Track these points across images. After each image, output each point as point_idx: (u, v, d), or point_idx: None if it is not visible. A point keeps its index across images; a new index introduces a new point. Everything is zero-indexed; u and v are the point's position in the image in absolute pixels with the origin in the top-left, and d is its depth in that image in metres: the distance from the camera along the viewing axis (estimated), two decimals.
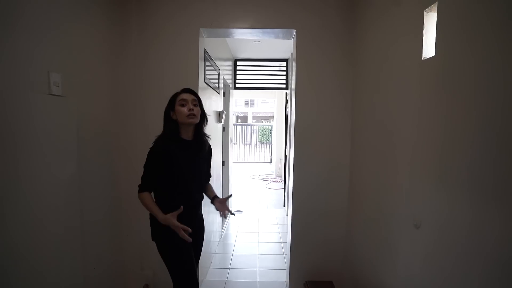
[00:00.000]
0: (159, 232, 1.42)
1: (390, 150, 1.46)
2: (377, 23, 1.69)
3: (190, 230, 1.35)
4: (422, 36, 1.17)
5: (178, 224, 1.33)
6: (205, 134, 1.53)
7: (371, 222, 1.70)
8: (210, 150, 1.62)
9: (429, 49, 1.14)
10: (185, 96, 1.42)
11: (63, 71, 1.41)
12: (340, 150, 2.11)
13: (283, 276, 2.45)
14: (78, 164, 1.51)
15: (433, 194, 1.09)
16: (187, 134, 1.45)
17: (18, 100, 1.14)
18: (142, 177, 1.41)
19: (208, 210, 2.59)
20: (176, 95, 1.44)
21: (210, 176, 1.70)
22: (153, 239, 1.47)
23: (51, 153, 1.32)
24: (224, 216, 1.62)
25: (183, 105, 1.39)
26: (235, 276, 2.48)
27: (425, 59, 1.16)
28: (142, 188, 1.40)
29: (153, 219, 1.44)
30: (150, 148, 1.40)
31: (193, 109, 1.39)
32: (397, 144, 1.39)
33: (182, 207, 1.35)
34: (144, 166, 1.41)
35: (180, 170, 1.42)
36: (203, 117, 1.48)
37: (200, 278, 2.21)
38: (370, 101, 1.77)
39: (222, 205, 1.58)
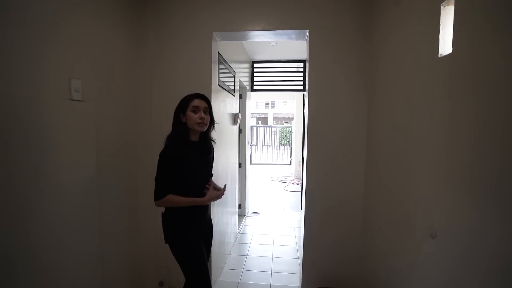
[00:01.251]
0: (174, 233, 1.46)
1: (406, 154, 1.38)
2: (391, 21, 1.61)
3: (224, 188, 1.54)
4: (439, 32, 1.10)
5: (218, 192, 1.50)
6: (211, 138, 1.57)
7: (386, 230, 1.61)
8: (213, 152, 1.66)
9: (446, 46, 1.07)
10: (198, 102, 1.43)
11: (83, 77, 1.50)
12: (355, 154, 2.03)
13: (296, 280, 2.41)
14: (96, 167, 1.60)
15: (452, 203, 1.01)
16: (194, 137, 1.49)
17: (42, 106, 1.23)
18: (158, 184, 1.40)
19: (222, 211, 2.61)
20: (188, 100, 1.45)
21: (211, 176, 1.71)
22: (166, 241, 1.48)
23: (71, 156, 1.40)
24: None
25: (194, 112, 1.42)
26: (248, 278, 2.48)
27: (441, 57, 1.08)
28: (162, 194, 1.38)
29: (166, 221, 1.47)
30: (162, 152, 1.40)
31: (203, 118, 1.42)
32: (413, 148, 1.31)
33: (211, 179, 1.56)
34: (158, 171, 1.40)
35: (192, 172, 1.45)
36: (211, 123, 1.52)
37: (214, 278, 2.23)
38: (386, 102, 1.69)
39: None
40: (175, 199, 1.39)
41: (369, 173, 1.96)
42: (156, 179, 1.41)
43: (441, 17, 1.09)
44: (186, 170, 1.41)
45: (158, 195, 1.38)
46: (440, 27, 1.09)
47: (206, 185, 1.50)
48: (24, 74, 1.15)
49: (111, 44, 1.76)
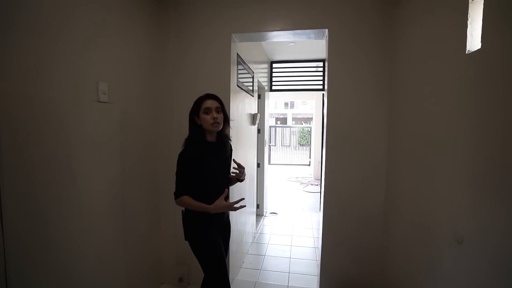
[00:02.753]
0: (194, 231, 1.50)
1: (431, 156, 1.32)
2: (414, 18, 1.55)
3: (242, 200, 1.46)
4: (466, 27, 1.04)
5: (229, 203, 1.44)
6: (226, 136, 1.58)
7: (409, 234, 1.55)
8: (231, 150, 1.67)
9: (474, 42, 1.01)
10: (209, 103, 1.46)
11: (109, 80, 1.58)
12: (376, 156, 1.97)
13: (314, 282, 2.38)
14: (121, 166, 1.68)
15: (479, 207, 0.96)
16: (211, 137, 1.52)
17: (72, 107, 1.31)
18: (177, 183, 1.45)
19: (241, 211, 2.63)
20: (200, 102, 1.48)
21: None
22: (186, 239, 1.53)
23: (98, 154, 1.48)
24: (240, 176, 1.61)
25: (207, 113, 1.44)
26: (266, 278, 2.48)
27: (469, 53, 1.03)
28: (179, 194, 1.44)
29: (186, 219, 1.51)
30: (180, 153, 1.45)
31: (216, 117, 1.45)
32: (438, 149, 1.25)
33: (227, 189, 1.48)
34: (177, 172, 1.45)
35: (210, 171, 1.48)
36: (226, 121, 1.53)
37: (231, 277, 2.26)
38: (408, 102, 1.62)
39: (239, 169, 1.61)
40: (188, 201, 1.43)
41: (391, 175, 1.90)
42: (175, 180, 1.46)
43: (469, 11, 1.04)
44: (205, 170, 1.44)
45: (176, 195, 1.45)
46: (468, 22, 1.04)
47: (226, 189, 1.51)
48: (54, 77, 1.24)
49: (135, 47, 1.84)
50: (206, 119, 1.44)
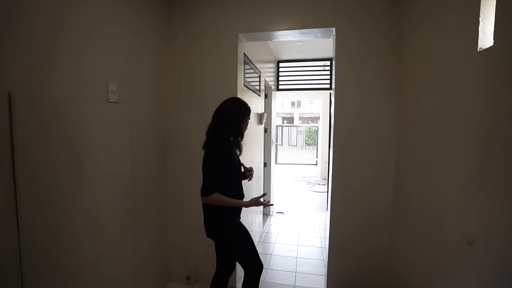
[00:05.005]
0: (229, 226, 1.53)
1: (441, 155, 1.30)
2: (423, 15, 1.53)
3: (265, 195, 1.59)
4: (478, 24, 1.02)
5: (257, 198, 1.53)
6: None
7: (418, 234, 1.53)
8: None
9: (486, 39, 0.99)
10: (249, 119, 1.62)
11: (118, 81, 1.61)
12: (384, 155, 1.95)
13: (321, 282, 2.37)
14: (131, 164, 1.70)
15: (490, 207, 0.94)
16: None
17: (84, 107, 1.34)
18: (207, 181, 1.44)
19: (247, 210, 2.65)
20: (248, 112, 1.58)
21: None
22: (216, 234, 1.54)
23: (108, 153, 1.51)
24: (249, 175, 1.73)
25: (246, 126, 1.60)
26: (272, 277, 2.49)
27: (481, 50, 1.00)
28: (212, 191, 1.43)
29: (220, 216, 1.50)
30: (216, 151, 1.45)
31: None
32: (448, 148, 1.23)
33: (265, 192, 1.71)
34: (210, 168, 1.44)
35: (236, 168, 1.56)
36: None
37: (238, 275, 2.27)
38: (417, 100, 1.60)
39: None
40: (221, 198, 1.44)
41: (399, 174, 1.87)
42: (205, 176, 1.45)
43: (481, 7, 1.01)
44: (232, 167, 1.51)
45: (207, 192, 1.44)
46: (480, 18, 1.01)
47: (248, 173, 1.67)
48: (66, 79, 1.26)
49: (144, 45, 1.86)
50: (244, 130, 1.59)
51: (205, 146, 1.54)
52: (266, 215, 4.15)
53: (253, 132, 2.85)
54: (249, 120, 1.61)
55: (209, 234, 1.56)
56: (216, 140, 1.49)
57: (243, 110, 1.56)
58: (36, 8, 1.12)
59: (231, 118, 1.51)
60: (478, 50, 1.02)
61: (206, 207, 1.52)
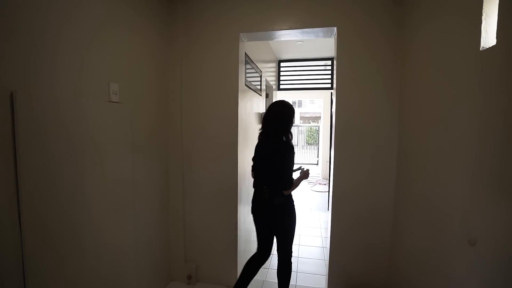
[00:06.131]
0: (292, 210, 1.80)
1: (442, 155, 1.30)
2: (425, 14, 1.52)
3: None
4: (481, 22, 1.02)
5: (304, 172, 1.90)
6: None
7: (419, 235, 1.53)
8: None
9: (489, 38, 0.99)
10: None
11: (119, 81, 1.61)
12: (385, 155, 1.95)
13: (322, 282, 2.37)
14: (132, 164, 1.70)
15: (493, 207, 0.93)
16: None
17: (85, 107, 1.34)
18: (288, 174, 1.69)
19: (249, 210, 2.65)
20: (294, 111, 1.81)
21: None
22: (282, 217, 1.77)
23: (110, 153, 1.51)
24: None
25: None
26: (273, 276, 2.48)
27: (483, 49, 1.00)
28: (292, 182, 1.72)
29: (291, 202, 1.80)
30: (289, 147, 1.69)
31: None
32: (451, 148, 1.23)
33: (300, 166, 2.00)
34: (288, 164, 1.69)
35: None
36: None
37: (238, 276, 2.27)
38: (419, 100, 1.59)
39: None
40: (296, 182, 1.74)
41: (401, 175, 1.87)
42: (285, 171, 1.68)
43: (483, 6, 1.01)
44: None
45: (289, 184, 1.70)
46: (483, 17, 1.01)
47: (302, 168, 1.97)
48: (68, 79, 1.27)
49: (144, 45, 1.86)
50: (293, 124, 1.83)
51: (266, 147, 1.77)
52: None
53: (254, 132, 2.85)
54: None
55: (272, 217, 1.78)
56: (280, 140, 1.72)
57: (292, 111, 1.77)
58: (38, 8, 1.12)
59: (286, 120, 1.73)
60: (480, 49, 1.01)
61: (281, 194, 1.72)
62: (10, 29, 1.02)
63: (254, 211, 1.87)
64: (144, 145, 1.90)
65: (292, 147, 1.71)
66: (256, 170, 1.86)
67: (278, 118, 1.72)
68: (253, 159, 1.90)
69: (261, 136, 1.82)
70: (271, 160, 1.70)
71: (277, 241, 1.84)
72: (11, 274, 1.03)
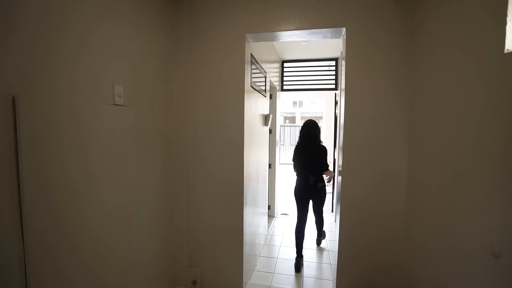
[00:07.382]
0: (326, 190, 2.82)
1: (461, 160, 1.25)
2: (441, 15, 1.47)
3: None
4: (505, 24, 0.97)
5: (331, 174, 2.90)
6: None
7: (433, 243, 1.48)
8: None
9: None
10: None
11: (124, 83, 1.56)
12: (395, 159, 1.90)
13: (329, 287, 2.32)
14: (136, 167, 1.66)
15: None
16: None
17: (90, 110, 1.30)
18: (327, 162, 2.71)
19: (254, 212, 2.61)
20: None
21: None
22: (324, 194, 2.81)
23: (114, 156, 1.47)
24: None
25: None
26: (279, 281, 2.44)
27: (508, 52, 0.95)
28: (328, 167, 2.74)
29: (324, 186, 2.77)
30: (326, 148, 2.72)
31: None
32: (470, 153, 1.18)
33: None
34: (326, 158, 2.71)
35: None
36: None
37: (244, 280, 2.23)
38: (433, 103, 1.55)
39: None
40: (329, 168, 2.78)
41: (413, 179, 1.82)
42: (325, 160, 2.71)
43: (508, 7, 0.96)
44: None
45: (326, 167, 2.73)
46: (508, 18, 0.96)
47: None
48: (70, 81, 1.22)
49: (148, 48, 1.82)
50: None
51: (312, 148, 2.70)
52: (270, 217, 4.11)
53: (259, 134, 2.80)
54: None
55: (317, 195, 2.77)
56: (319, 143, 2.73)
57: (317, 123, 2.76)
58: (39, 10, 1.08)
59: (319, 131, 2.78)
60: (505, 51, 0.97)
61: (321, 179, 2.72)
62: (11, 32, 0.98)
63: (300, 192, 2.75)
64: (149, 149, 1.85)
65: (326, 147, 2.72)
66: (300, 164, 2.73)
67: (316, 129, 2.73)
68: (294, 159, 2.79)
69: (302, 142, 2.74)
70: (316, 155, 2.67)
71: (316, 208, 2.96)
72: (14, 279, 0.99)
